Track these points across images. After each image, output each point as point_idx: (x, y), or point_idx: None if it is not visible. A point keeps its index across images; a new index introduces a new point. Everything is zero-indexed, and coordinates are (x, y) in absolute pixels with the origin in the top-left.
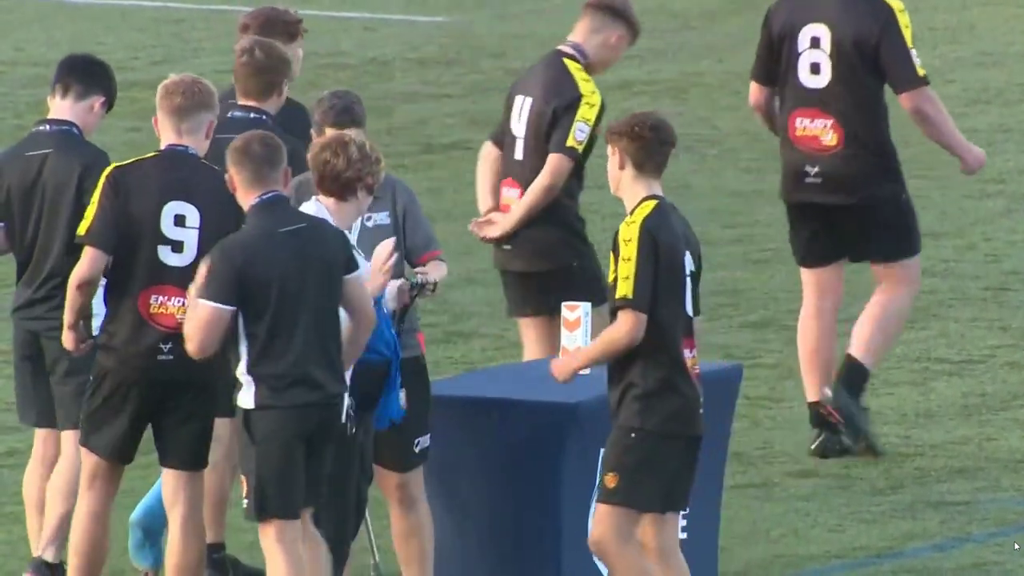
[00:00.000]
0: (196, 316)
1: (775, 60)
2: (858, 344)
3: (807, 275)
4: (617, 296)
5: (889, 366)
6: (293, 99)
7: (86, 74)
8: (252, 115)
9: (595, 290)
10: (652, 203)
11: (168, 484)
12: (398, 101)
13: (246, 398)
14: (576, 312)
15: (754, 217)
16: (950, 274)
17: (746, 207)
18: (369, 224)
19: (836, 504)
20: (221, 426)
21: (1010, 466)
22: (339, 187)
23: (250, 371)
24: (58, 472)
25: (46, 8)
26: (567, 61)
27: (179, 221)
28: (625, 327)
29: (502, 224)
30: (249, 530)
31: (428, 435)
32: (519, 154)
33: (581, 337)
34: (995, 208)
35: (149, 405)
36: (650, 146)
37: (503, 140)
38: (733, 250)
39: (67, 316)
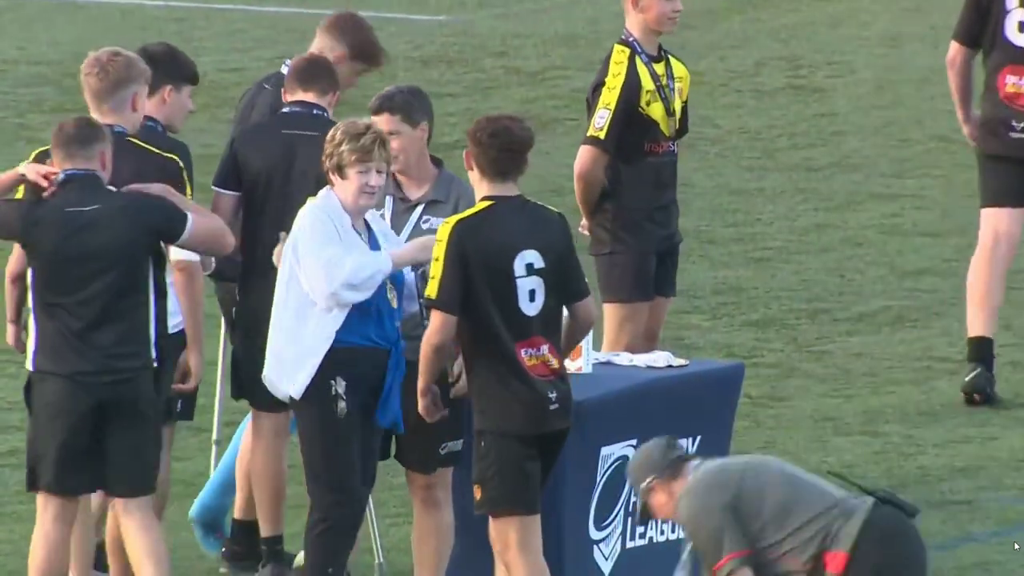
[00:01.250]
0: None
1: (981, 20)
2: None
3: (987, 216)
4: (425, 295)
5: (891, 365)
6: None
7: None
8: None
9: (625, 284)
10: (481, 205)
11: None
12: None
13: (29, 360)
14: None
15: (755, 215)
16: (952, 273)
17: (747, 205)
18: (424, 227)
19: None
20: (271, 419)
21: (1012, 465)
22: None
23: (36, 333)
24: (252, 453)
25: (48, 7)
26: (615, 45)
27: None
28: (432, 327)
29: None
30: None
31: (460, 440)
32: None
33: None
34: None
35: None
36: (488, 152)
37: None
38: (734, 248)
39: (7, 312)
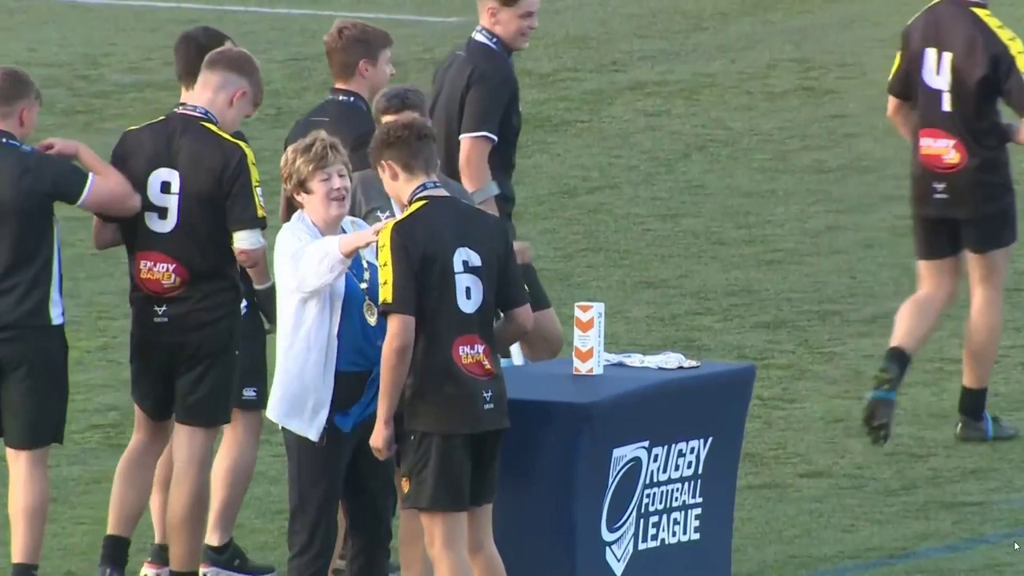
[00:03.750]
0: None
1: None
2: None
3: None
4: (380, 302)
5: None
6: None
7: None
8: (340, 97)
9: (1013, 225)
10: (416, 205)
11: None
12: None
13: None
14: (589, 313)
15: (766, 217)
16: (963, 274)
17: (759, 207)
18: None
19: (849, 505)
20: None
21: (1023, 467)
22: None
23: None
24: (218, 459)
25: (59, 9)
26: (976, 10)
27: None
28: (392, 331)
29: None
30: (261, 531)
31: None
32: (946, 106)
33: (595, 338)
34: None
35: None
36: (409, 144)
37: (904, 91)
38: (746, 250)
39: None
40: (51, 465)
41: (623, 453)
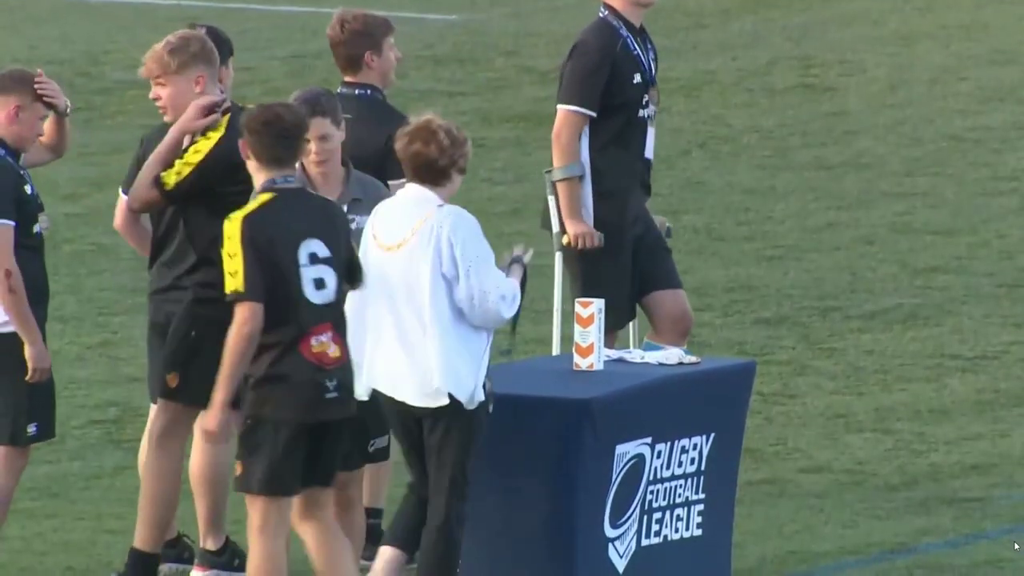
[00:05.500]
0: None
1: None
2: None
3: None
4: (228, 292)
5: (903, 362)
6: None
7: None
8: (356, 92)
9: None
10: (263, 197)
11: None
12: (412, 99)
13: None
14: (589, 308)
15: (767, 214)
16: (964, 271)
17: (759, 204)
18: (353, 227)
19: (849, 500)
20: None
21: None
22: (434, 174)
23: None
24: (191, 463)
25: (60, 6)
26: None
27: None
28: (239, 320)
29: None
30: None
31: (387, 436)
32: None
33: (595, 333)
34: (1009, 205)
35: None
36: (262, 140)
37: None
38: (746, 247)
39: None
40: (51, 461)
41: (626, 449)
